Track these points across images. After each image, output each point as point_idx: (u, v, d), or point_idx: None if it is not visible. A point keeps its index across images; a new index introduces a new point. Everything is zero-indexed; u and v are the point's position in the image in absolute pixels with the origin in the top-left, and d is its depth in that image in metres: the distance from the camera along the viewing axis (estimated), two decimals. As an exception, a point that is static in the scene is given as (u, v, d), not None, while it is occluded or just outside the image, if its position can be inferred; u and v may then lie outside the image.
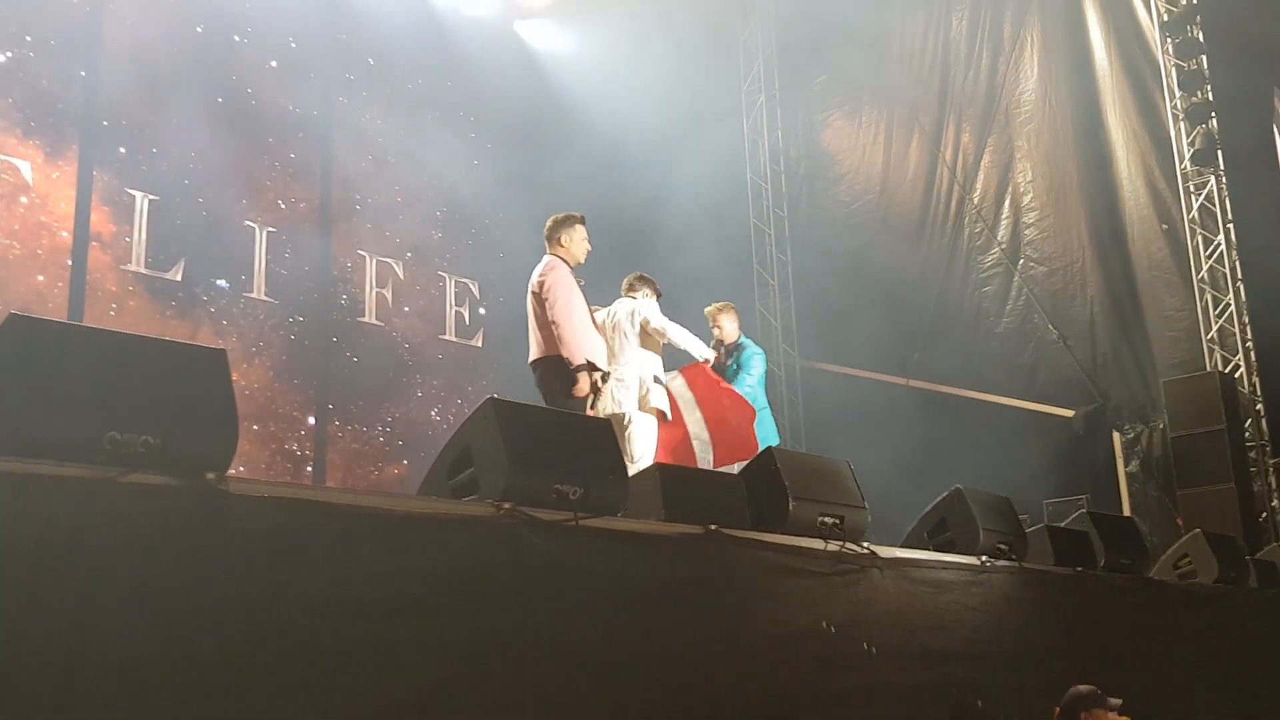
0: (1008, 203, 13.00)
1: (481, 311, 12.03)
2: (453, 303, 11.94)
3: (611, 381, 7.25)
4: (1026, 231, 12.81)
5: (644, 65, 13.02)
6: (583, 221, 7.10)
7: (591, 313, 7.08)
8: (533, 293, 6.90)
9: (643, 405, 7.32)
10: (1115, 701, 4.68)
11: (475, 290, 11.99)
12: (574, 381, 6.72)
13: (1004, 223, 12.98)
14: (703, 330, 8.36)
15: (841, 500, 5.11)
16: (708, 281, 11.97)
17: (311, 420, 10.63)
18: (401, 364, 11.36)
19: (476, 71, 12.48)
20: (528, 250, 11.67)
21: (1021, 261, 12.78)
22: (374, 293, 11.27)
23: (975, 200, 13.20)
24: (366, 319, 11.19)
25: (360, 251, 11.26)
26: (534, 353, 6.92)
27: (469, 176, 12.27)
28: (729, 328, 8.46)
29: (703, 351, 7.55)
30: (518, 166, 12.10)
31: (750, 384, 8.33)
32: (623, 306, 7.55)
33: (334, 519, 3.14)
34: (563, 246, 7.00)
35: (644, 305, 7.55)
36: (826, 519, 4.92)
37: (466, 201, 12.12)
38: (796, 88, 14.89)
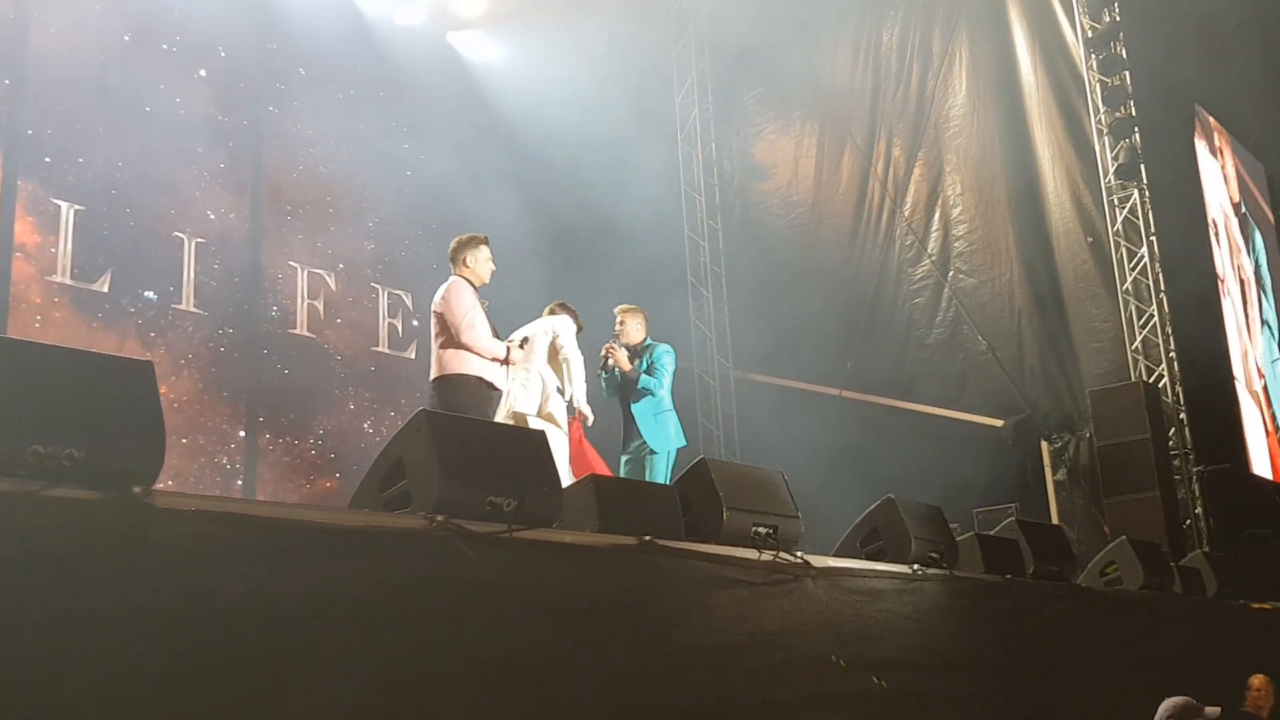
0: (938, 215, 13.16)
1: (415, 324, 11.93)
2: (385, 315, 11.84)
3: (519, 377, 7.42)
4: (956, 244, 12.98)
5: (577, 77, 13.03)
6: (486, 242, 7.30)
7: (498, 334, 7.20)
8: (435, 312, 7.09)
9: (541, 411, 7.48)
10: (1213, 711, 4.68)
11: (408, 302, 11.91)
12: (474, 398, 6.86)
13: (934, 235, 13.14)
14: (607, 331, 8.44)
15: (775, 510, 5.13)
16: (641, 292, 11.97)
17: (242, 433, 10.50)
18: (333, 376, 11.25)
19: (409, 81, 12.42)
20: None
21: (951, 273, 12.94)
22: (305, 304, 11.16)
23: (906, 213, 13.34)
24: (298, 331, 11.07)
25: (291, 263, 11.14)
26: (433, 371, 7.05)
27: (402, 187, 12.18)
28: (633, 330, 8.50)
29: (584, 403, 7.65)
30: (451, 178, 12.04)
31: (665, 384, 8.40)
32: (542, 324, 7.71)
33: (263, 532, 3.10)
34: (467, 267, 7.18)
35: (561, 325, 7.68)
36: (760, 529, 4.95)
37: (400, 212, 12.05)
38: (730, 101, 14.97)
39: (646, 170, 13.47)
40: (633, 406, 8.23)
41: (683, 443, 8.47)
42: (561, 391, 7.62)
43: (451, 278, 7.16)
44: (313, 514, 3.29)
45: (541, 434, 4.37)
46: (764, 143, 14.67)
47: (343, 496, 9.39)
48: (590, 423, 7.84)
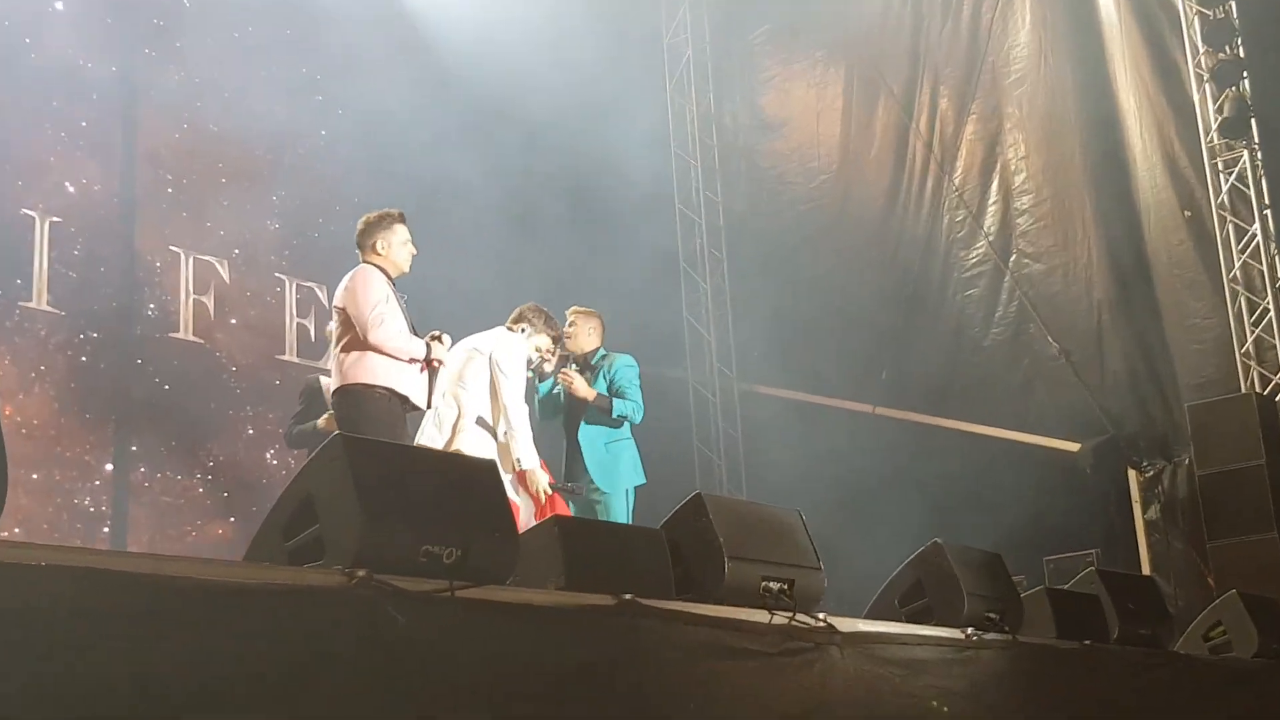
0: (996, 184, 13.18)
1: (331, 325, 11.91)
2: (294, 313, 11.82)
3: (436, 404, 7.52)
4: (1019, 220, 12.99)
5: (542, 11, 13.00)
6: (402, 220, 7.39)
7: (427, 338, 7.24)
8: (338, 308, 7.15)
9: (448, 446, 7.62)
10: None
11: (323, 297, 11.86)
12: (381, 416, 6.91)
13: (991, 209, 13.15)
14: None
15: (790, 560, 5.13)
16: (622, 282, 12.01)
17: (109, 466, 10.46)
18: (227, 392, 11.22)
19: (327, 16, 12.35)
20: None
21: (1014, 257, 12.95)
22: (191, 300, 11.13)
23: (956, 181, 13.37)
24: (181, 335, 11.04)
25: (173, 248, 11.11)
26: (333, 380, 7.16)
27: (316, 151, 12.16)
28: (584, 337, 8.57)
29: (532, 462, 7.72)
30: (381, 138, 12.02)
31: (632, 409, 8.44)
32: (489, 341, 7.72)
33: (137, 593, 3.08)
34: (378, 254, 7.28)
35: (511, 351, 7.70)
36: (771, 584, 4.94)
37: (313, 184, 12.03)
38: (732, 39, 15.00)
39: (627, 129, 13.49)
40: (581, 433, 8.27)
41: (640, 479, 8.50)
42: (490, 430, 7.66)
43: (359, 265, 7.24)
44: (199, 569, 3.27)
45: (492, 464, 4.36)
46: (775, 92, 14.69)
47: (238, 546, 9.36)
48: (578, 494, 7.94)
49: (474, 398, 7.76)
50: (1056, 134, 12.95)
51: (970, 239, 13.26)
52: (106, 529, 10.32)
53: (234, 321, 11.42)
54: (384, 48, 12.70)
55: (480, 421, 7.76)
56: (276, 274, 11.81)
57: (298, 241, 11.96)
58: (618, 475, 8.33)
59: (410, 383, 7.11)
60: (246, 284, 11.56)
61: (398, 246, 7.28)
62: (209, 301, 11.26)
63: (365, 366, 7.02)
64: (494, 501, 4.11)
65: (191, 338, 11.11)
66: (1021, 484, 11.80)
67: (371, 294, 7.04)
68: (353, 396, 7.01)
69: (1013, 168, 13.16)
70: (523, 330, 8.04)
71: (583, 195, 12.78)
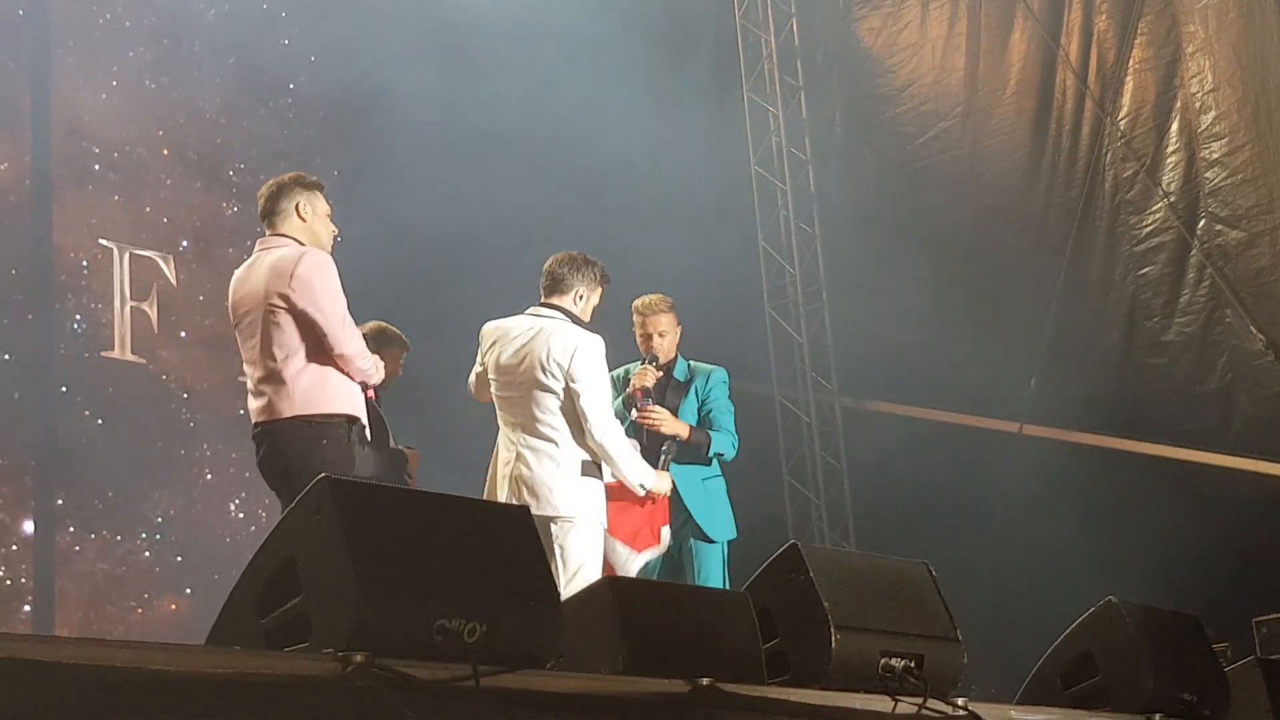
0: (1175, 127, 13.08)
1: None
2: (260, 321, 11.88)
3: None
4: (1208, 174, 12.89)
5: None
6: (320, 187, 7.07)
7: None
8: (272, 305, 6.72)
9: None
10: None
11: (298, 299, 11.95)
12: (343, 456, 6.69)
13: (1170, 160, 13.06)
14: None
15: (918, 629, 5.11)
16: (682, 272, 11.99)
17: (28, 526, 10.54)
18: (178, 426, 11.29)
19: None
20: (377, 229, 11.64)
21: (1203, 222, 12.84)
22: (129, 309, 11.20)
23: (1122, 125, 13.29)
24: (116, 353, 11.11)
25: (103, 241, 11.19)
26: (261, 407, 6.79)
27: (281, 112, 12.22)
28: (671, 341, 8.43)
29: (644, 478, 7.53)
30: (359, 89, 12.06)
31: (730, 444, 8.40)
32: (544, 337, 7.45)
33: (68, 690, 3.10)
34: (302, 220, 6.96)
35: (588, 348, 7.42)
36: (894, 661, 4.93)
37: (279, 154, 12.07)
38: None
39: (687, 69, 13.47)
40: (674, 467, 8.19)
41: (734, 532, 8.46)
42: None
43: (284, 243, 6.92)
44: (148, 657, 3.28)
45: (524, 511, 4.35)
46: (877, 17, 14.65)
47: (198, 626, 9.40)
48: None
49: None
50: (1258, 57, 12.81)
51: (1143, 201, 13.16)
52: (27, 608, 10.39)
53: (184, 335, 11.48)
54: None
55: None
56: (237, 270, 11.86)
57: (264, 230, 12.00)
58: (724, 521, 8.29)
59: (364, 410, 6.94)
60: (199, 285, 11.61)
61: (322, 217, 7.01)
62: (151, 310, 11.32)
63: (324, 390, 6.74)
64: (528, 561, 4.10)
65: (130, 357, 11.18)
66: (1220, 523, 11.70)
67: (338, 288, 6.77)
68: (312, 431, 6.70)
69: (1198, 105, 13.05)
70: (577, 298, 7.71)
71: (627, 159, 12.76)
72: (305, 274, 6.73)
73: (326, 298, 6.72)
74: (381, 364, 7.03)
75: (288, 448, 6.72)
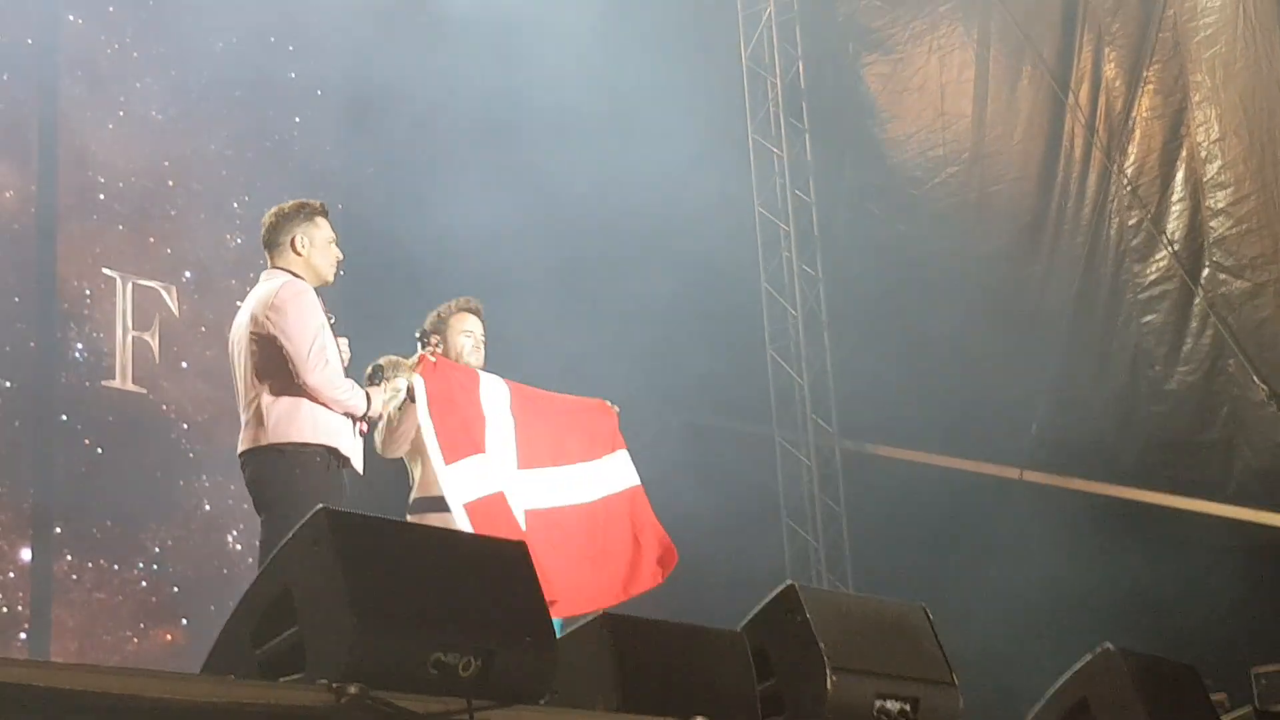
0: (1181, 176, 13.07)
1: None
2: (262, 354, 11.88)
3: None
4: (1213, 222, 12.88)
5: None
6: (324, 214, 7.12)
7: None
8: (256, 334, 6.84)
9: None
10: None
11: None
12: (320, 486, 6.67)
13: (1176, 208, 13.06)
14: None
15: (913, 671, 5.11)
16: (686, 306, 12.02)
17: (25, 554, 10.52)
18: (177, 456, 11.27)
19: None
20: (385, 259, 11.65)
21: (1207, 271, 12.83)
22: (130, 339, 11.20)
23: (1129, 172, 13.29)
24: (117, 383, 11.10)
25: (107, 271, 11.19)
26: (248, 435, 6.87)
27: (287, 144, 12.24)
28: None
29: None
30: (364, 124, 12.08)
31: None
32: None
33: (65, 714, 3.10)
34: (297, 254, 7.02)
35: None
36: (890, 704, 4.93)
37: (283, 187, 12.08)
38: (826, -9, 15.03)
39: (693, 109, 13.47)
40: None
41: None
42: None
43: (276, 275, 7.02)
44: (143, 685, 3.29)
45: (521, 546, 4.36)
46: (886, 62, 14.68)
47: (193, 656, 9.40)
48: None
49: None
50: (1264, 107, 12.80)
51: (1148, 249, 13.16)
52: (24, 635, 10.37)
53: (185, 365, 11.48)
54: (376, 10, 12.75)
55: None
56: (239, 303, 11.86)
57: (266, 261, 12.01)
58: None
59: (351, 441, 6.93)
60: (201, 316, 11.62)
61: (322, 246, 7.05)
62: (153, 340, 11.32)
63: (297, 419, 6.75)
64: (524, 596, 4.10)
65: (131, 387, 11.17)
66: (1220, 572, 11.69)
67: (310, 318, 6.81)
68: (282, 460, 6.75)
69: (1203, 154, 13.05)
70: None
71: (633, 198, 12.77)
72: (279, 302, 6.81)
73: (295, 326, 6.75)
74: (364, 395, 6.95)
75: (260, 477, 6.83)
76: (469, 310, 7.93)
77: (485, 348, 7.95)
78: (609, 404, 8.12)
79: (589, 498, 7.85)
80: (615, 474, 7.98)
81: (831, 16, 15.00)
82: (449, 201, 11.81)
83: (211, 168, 11.81)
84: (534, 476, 7.71)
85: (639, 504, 8.04)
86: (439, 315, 7.88)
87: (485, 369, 7.84)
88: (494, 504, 7.36)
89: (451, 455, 7.35)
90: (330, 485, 6.76)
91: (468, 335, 7.88)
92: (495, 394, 7.68)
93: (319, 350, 6.75)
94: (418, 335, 7.64)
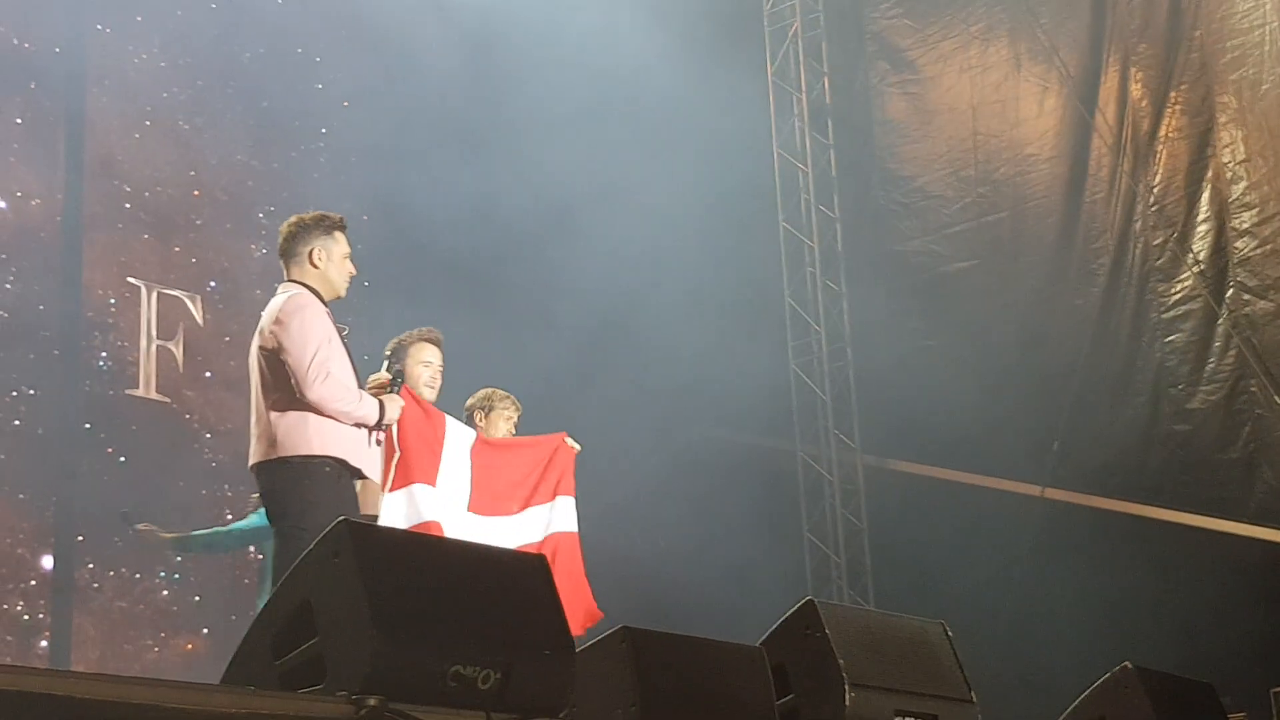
0: (1206, 196, 13.05)
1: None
2: (287, 363, 11.89)
3: None
4: (1238, 243, 12.85)
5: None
6: (342, 228, 7.12)
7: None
8: (263, 348, 6.89)
9: None
10: None
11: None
12: (327, 495, 6.69)
13: (1201, 228, 13.03)
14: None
15: (932, 688, 5.10)
16: (703, 321, 11.99)
17: (47, 561, 10.53)
18: (200, 466, 11.27)
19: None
20: (405, 270, 11.64)
21: (1231, 291, 12.80)
22: (154, 348, 11.20)
23: (1155, 190, 13.27)
24: (141, 392, 11.11)
25: (131, 280, 11.20)
26: (257, 449, 6.91)
27: (313, 154, 12.25)
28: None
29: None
30: (391, 136, 12.08)
31: None
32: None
33: (84, 725, 3.10)
34: (314, 267, 7.04)
35: None
36: (909, 719, 4.90)
37: (309, 198, 12.08)
38: (852, 10, 15.00)
39: (717, 124, 13.46)
40: None
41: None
42: None
43: (288, 288, 7.05)
44: (164, 695, 3.29)
45: (541, 560, 4.36)
46: (914, 82, 14.65)
47: (214, 666, 9.40)
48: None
49: None
50: (1290, 130, 12.82)
51: (1172, 269, 13.13)
52: (45, 643, 10.38)
53: (209, 375, 11.49)
54: (404, 23, 12.75)
55: None
56: (263, 313, 11.87)
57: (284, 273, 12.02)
58: None
59: (364, 451, 6.94)
60: (226, 325, 11.62)
61: (338, 261, 7.07)
62: (177, 349, 11.33)
63: (303, 432, 6.78)
64: (544, 609, 4.10)
65: (154, 396, 11.18)
66: (1240, 591, 11.65)
67: (312, 332, 6.80)
68: (289, 472, 6.77)
69: (1229, 175, 13.02)
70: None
71: (653, 206, 12.77)
72: (283, 316, 6.86)
73: (296, 340, 6.78)
74: (376, 404, 6.97)
75: (271, 489, 6.89)
76: (429, 340, 8.02)
77: (442, 378, 8.04)
78: (569, 441, 8.18)
79: (537, 537, 7.91)
80: (561, 517, 8.02)
81: (857, 35, 14.99)
82: (474, 208, 11.83)
83: (237, 178, 11.83)
84: (483, 522, 7.74)
85: (574, 552, 8.08)
86: (400, 343, 8.00)
87: (437, 403, 7.90)
88: (428, 529, 7.37)
89: (401, 481, 7.45)
90: (340, 496, 6.77)
91: (426, 365, 7.96)
92: (459, 438, 7.74)
93: (319, 364, 6.75)
94: (385, 355, 7.85)
